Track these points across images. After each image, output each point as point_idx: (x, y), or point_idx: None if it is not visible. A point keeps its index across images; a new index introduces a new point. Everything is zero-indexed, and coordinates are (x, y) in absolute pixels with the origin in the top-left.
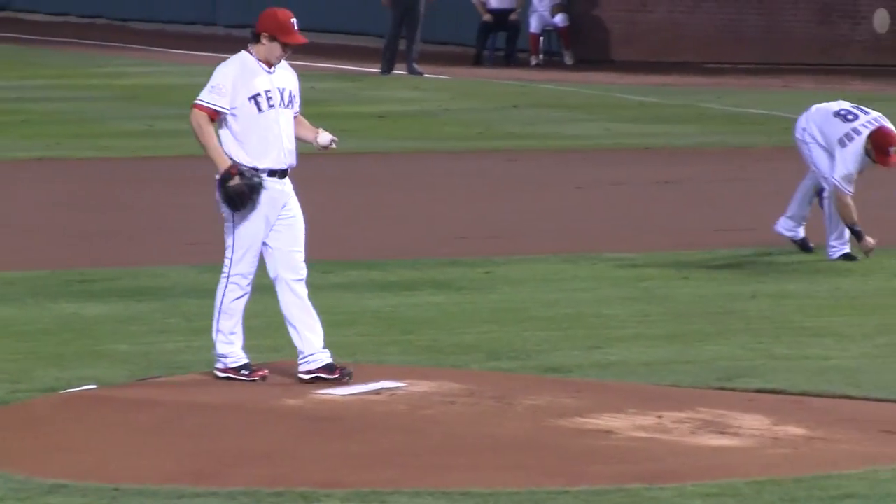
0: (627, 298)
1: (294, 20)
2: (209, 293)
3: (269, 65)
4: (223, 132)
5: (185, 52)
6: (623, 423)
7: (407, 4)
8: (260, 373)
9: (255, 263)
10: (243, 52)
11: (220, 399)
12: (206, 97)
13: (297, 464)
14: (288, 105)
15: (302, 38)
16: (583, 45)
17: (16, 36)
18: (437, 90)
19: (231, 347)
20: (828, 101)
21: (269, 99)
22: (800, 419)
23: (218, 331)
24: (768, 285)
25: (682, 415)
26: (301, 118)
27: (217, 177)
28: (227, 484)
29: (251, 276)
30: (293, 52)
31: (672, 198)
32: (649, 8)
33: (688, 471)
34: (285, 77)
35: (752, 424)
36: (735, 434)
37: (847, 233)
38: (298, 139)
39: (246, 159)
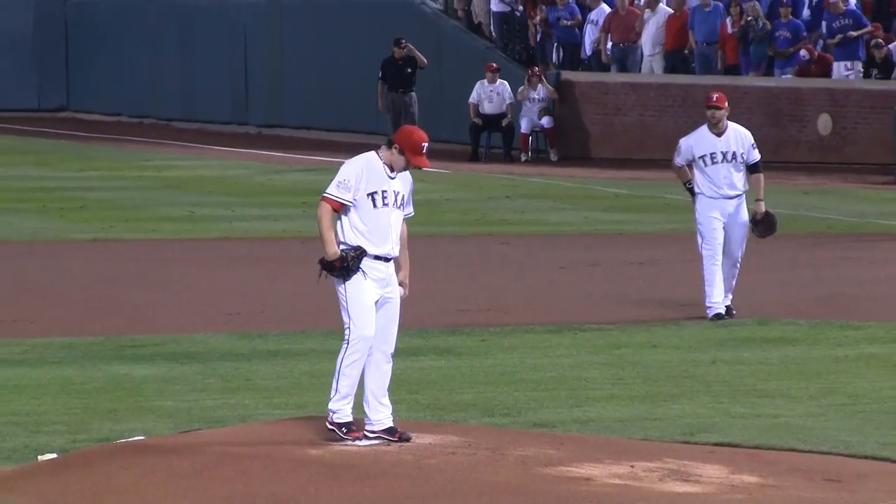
0: (604, 364)
1: (426, 145)
2: (243, 357)
3: (392, 170)
4: (344, 217)
5: (221, 148)
6: (600, 472)
7: (399, 108)
8: (355, 434)
9: (373, 328)
10: (372, 152)
11: (252, 449)
12: (334, 191)
13: None
14: (399, 206)
15: (426, 163)
16: (566, 143)
17: (75, 133)
18: (439, 182)
19: (341, 404)
20: (780, 194)
21: (384, 198)
22: (753, 469)
23: (336, 389)
24: (726, 353)
25: (652, 464)
26: (403, 228)
27: (320, 261)
28: None
29: (370, 340)
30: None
31: (643, 277)
32: (623, 112)
33: None
34: (403, 182)
35: (712, 473)
36: (697, 482)
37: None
38: None
39: (357, 242)
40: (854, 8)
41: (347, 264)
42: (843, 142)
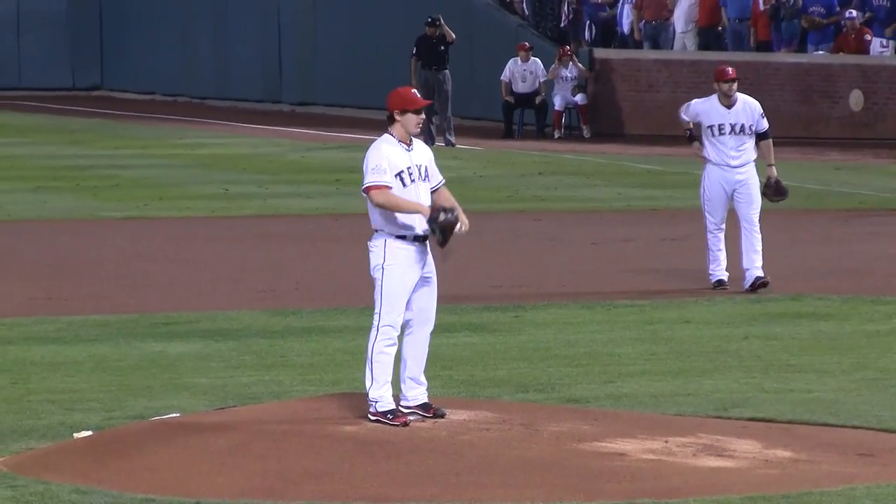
0: (636, 339)
1: (414, 90)
2: (277, 334)
3: (408, 142)
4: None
5: (254, 126)
6: (634, 447)
7: (432, 86)
8: (402, 419)
9: (402, 315)
10: (384, 135)
11: (287, 426)
12: (374, 178)
13: (351, 482)
14: (424, 179)
15: (426, 101)
16: (598, 120)
17: (109, 112)
18: (472, 159)
19: (381, 392)
20: (811, 170)
21: (410, 175)
22: (787, 444)
23: (373, 378)
24: (758, 328)
25: (685, 440)
26: (444, 191)
27: (431, 228)
28: (292, 499)
29: (399, 327)
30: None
31: (675, 253)
32: (655, 89)
33: (690, 488)
34: (421, 154)
35: (746, 448)
36: (731, 457)
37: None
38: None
39: (396, 227)
40: None
41: (445, 211)
42: (875, 118)
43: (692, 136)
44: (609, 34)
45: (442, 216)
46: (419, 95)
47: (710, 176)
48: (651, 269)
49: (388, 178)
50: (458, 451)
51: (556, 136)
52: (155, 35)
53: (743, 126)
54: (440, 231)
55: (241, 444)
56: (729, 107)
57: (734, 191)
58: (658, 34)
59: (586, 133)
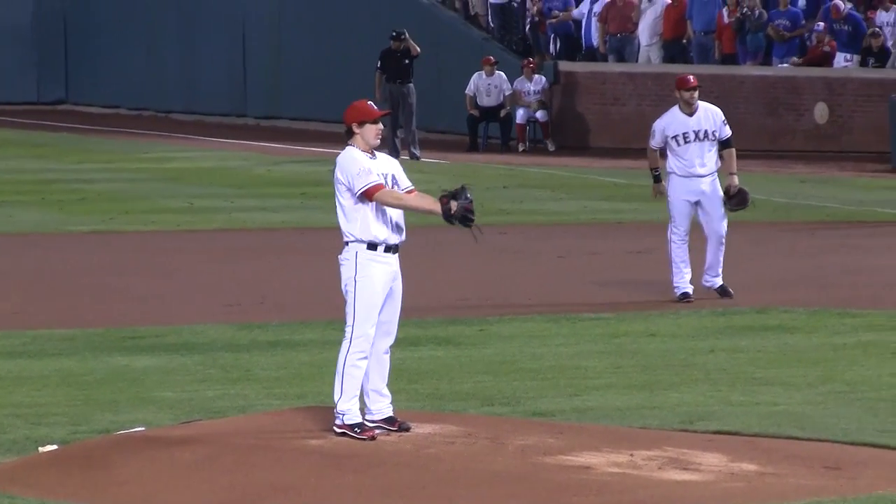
0: (602, 352)
1: (371, 102)
2: (243, 348)
3: (371, 152)
4: (351, 213)
5: (220, 140)
6: (600, 460)
7: (397, 99)
8: (369, 433)
9: (375, 327)
10: (348, 147)
11: (253, 440)
12: (365, 181)
13: (318, 495)
14: (393, 187)
15: (383, 111)
16: (563, 133)
17: (74, 126)
18: (437, 172)
19: (349, 405)
20: (777, 182)
21: (384, 180)
22: (753, 457)
23: (342, 391)
24: (724, 341)
25: (651, 453)
26: (416, 193)
27: (446, 218)
28: None
29: (371, 339)
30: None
31: (641, 265)
32: (621, 102)
33: (656, 501)
34: (386, 162)
35: (712, 461)
36: (696, 470)
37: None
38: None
39: (370, 235)
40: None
41: (457, 197)
42: (841, 130)
43: (658, 177)
44: (573, 47)
45: (454, 206)
46: (376, 108)
47: (675, 189)
48: (617, 281)
49: (376, 177)
50: (424, 465)
51: (521, 149)
52: (120, 48)
53: (706, 132)
54: (461, 220)
55: (207, 458)
56: (691, 114)
57: (698, 202)
58: (623, 47)
59: (550, 147)
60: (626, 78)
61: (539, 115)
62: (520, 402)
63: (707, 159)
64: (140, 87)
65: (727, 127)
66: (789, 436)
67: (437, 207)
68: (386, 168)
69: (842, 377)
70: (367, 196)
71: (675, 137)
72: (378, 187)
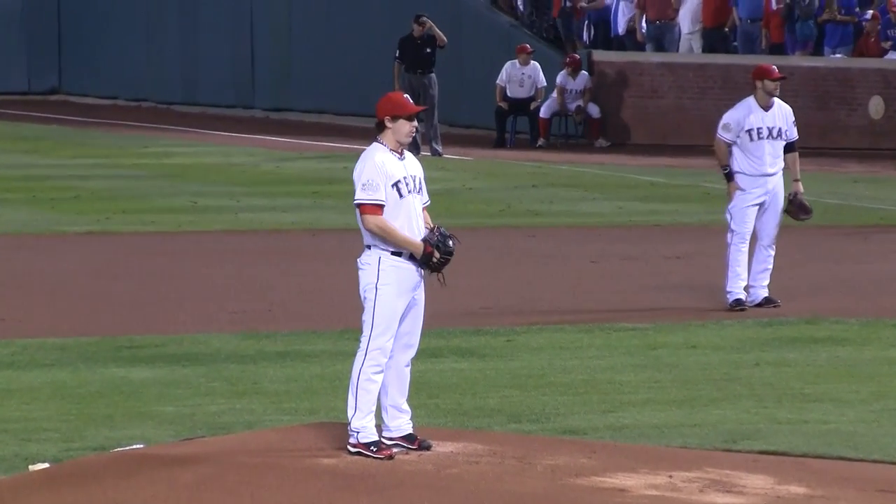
0: (639, 366)
1: (407, 95)
2: (250, 359)
3: (400, 151)
4: None
5: (225, 134)
6: (636, 482)
7: (417, 91)
8: (386, 451)
9: (393, 340)
10: (374, 144)
11: (260, 458)
12: (366, 196)
13: None
14: (418, 191)
15: (419, 107)
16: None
17: (67, 118)
18: (461, 170)
19: (364, 422)
20: (828, 182)
21: (406, 185)
22: (801, 479)
23: (356, 407)
24: (770, 353)
25: (691, 474)
26: (425, 214)
27: (420, 264)
28: None
29: (388, 352)
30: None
31: (680, 272)
32: (659, 94)
33: None
34: (413, 165)
35: (757, 484)
36: (741, 493)
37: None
38: None
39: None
40: None
41: (440, 247)
42: None
43: (731, 173)
44: (608, 35)
45: (436, 256)
46: (412, 102)
47: (741, 186)
48: (654, 288)
49: (381, 195)
50: (445, 487)
51: (539, 143)
52: (118, 34)
53: (780, 130)
54: (433, 268)
55: (210, 478)
56: (767, 109)
57: (762, 202)
58: (663, 35)
59: (604, 143)
60: (666, 69)
61: (591, 110)
62: (549, 419)
63: (777, 157)
64: (139, 76)
65: (796, 128)
66: (840, 456)
67: (419, 252)
68: (413, 171)
69: None
70: (361, 211)
71: (749, 132)
72: (376, 210)
